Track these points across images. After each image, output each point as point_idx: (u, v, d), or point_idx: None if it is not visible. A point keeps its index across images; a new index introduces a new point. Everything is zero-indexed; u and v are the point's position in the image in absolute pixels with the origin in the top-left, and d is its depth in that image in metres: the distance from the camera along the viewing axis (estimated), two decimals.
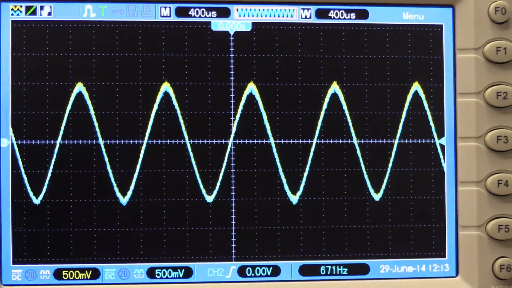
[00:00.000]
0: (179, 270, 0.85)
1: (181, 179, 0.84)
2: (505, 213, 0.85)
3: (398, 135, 0.87)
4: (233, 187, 0.85)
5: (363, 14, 0.87)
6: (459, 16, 0.87)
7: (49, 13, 0.84)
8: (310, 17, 0.86)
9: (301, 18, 0.86)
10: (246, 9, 0.86)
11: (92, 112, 0.84)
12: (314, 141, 0.86)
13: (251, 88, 0.85)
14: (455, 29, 0.87)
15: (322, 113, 0.86)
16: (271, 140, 0.85)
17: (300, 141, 0.86)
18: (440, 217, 0.87)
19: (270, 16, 0.86)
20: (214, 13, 0.85)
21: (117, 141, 0.84)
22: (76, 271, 0.84)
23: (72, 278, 0.84)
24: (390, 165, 0.87)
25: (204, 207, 0.85)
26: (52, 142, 0.83)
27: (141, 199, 0.84)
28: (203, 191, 0.85)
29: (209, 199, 0.85)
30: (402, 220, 0.87)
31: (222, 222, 0.85)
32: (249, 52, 0.85)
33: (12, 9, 0.83)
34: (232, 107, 0.85)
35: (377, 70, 0.87)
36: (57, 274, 0.84)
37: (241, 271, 0.86)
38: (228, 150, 0.85)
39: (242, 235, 0.85)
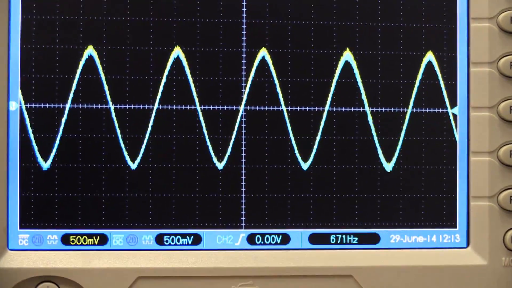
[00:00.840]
0: (187, 237, 0.84)
1: (191, 145, 0.84)
2: None
3: (410, 104, 0.86)
4: (243, 154, 0.84)
5: None
6: None
7: None
8: None
9: None
10: None
11: (102, 76, 0.83)
12: (326, 108, 0.85)
13: (263, 54, 0.85)
14: None
15: (335, 80, 0.85)
16: (283, 107, 0.85)
17: (312, 109, 0.85)
18: (452, 187, 0.86)
19: None
20: None
21: (127, 106, 0.83)
22: (83, 237, 0.83)
23: (79, 243, 0.83)
24: (402, 134, 0.86)
25: (214, 173, 0.84)
26: (61, 106, 0.83)
27: (150, 164, 0.83)
28: (214, 158, 0.84)
29: (220, 165, 0.84)
30: (413, 190, 0.86)
31: (232, 189, 0.84)
32: (262, 17, 0.85)
33: None
34: (244, 73, 0.84)
35: (390, 38, 0.86)
36: (65, 239, 0.83)
37: (251, 239, 0.85)
38: (239, 116, 0.84)
39: (252, 203, 0.84)
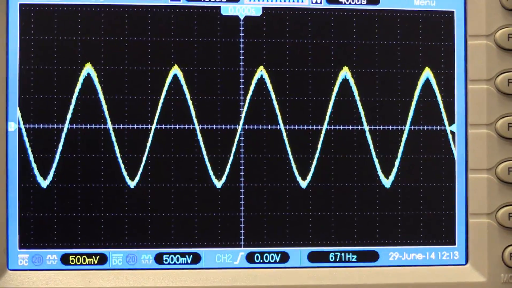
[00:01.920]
0: (187, 256, 0.84)
1: (190, 164, 0.84)
2: None
3: (408, 122, 0.86)
4: (242, 173, 0.85)
5: (374, 0, 0.86)
6: (470, 2, 0.86)
7: None
8: (320, 2, 0.86)
9: (312, 3, 0.86)
10: None
11: (101, 96, 0.83)
12: (324, 126, 0.85)
13: (261, 73, 0.85)
14: (466, 16, 0.86)
15: (332, 98, 0.85)
16: (281, 126, 0.85)
17: (310, 127, 0.85)
18: (450, 204, 0.87)
19: (280, 1, 0.85)
20: None
21: (126, 126, 0.83)
22: (83, 256, 0.83)
23: (79, 263, 0.83)
24: (400, 151, 0.86)
25: (213, 192, 0.84)
26: (60, 126, 0.83)
27: (149, 184, 0.84)
28: (212, 177, 0.84)
29: (218, 184, 0.84)
30: (412, 207, 0.86)
31: (231, 208, 0.84)
32: (259, 37, 0.85)
33: None
34: (242, 92, 0.85)
35: (388, 56, 0.86)
36: (64, 259, 0.83)
37: (250, 257, 0.85)
38: (238, 135, 0.84)
39: (251, 221, 0.85)
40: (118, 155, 0.83)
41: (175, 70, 0.84)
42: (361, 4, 0.86)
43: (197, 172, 0.84)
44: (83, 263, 0.83)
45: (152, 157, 0.84)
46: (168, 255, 0.84)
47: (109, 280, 0.83)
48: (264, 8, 0.85)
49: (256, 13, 0.85)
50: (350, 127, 0.86)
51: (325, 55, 0.85)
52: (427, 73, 0.87)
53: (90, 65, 0.83)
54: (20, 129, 0.82)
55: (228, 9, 0.85)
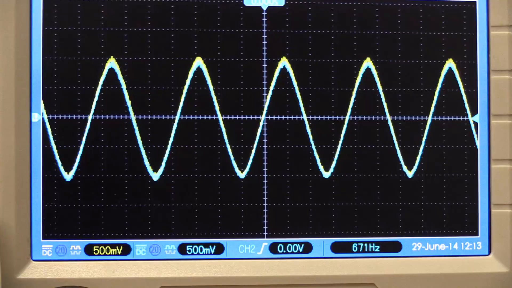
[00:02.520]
0: (210, 246, 0.85)
1: (213, 155, 0.84)
2: None
3: (431, 112, 0.86)
4: (265, 163, 0.85)
5: None
6: None
7: None
8: None
9: None
10: None
11: (124, 87, 0.83)
12: (347, 117, 0.85)
13: (284, 63, 0.85)
14: (489, 6, 0.86)
15: (355, 89, 0.86)
16: (304, 116, 0.85)
17: (333, 117, 0.85)
18: (473, 195, 0.87)
19: None
20: None
21: (149, 116, 0.84)
22: (107, 247, 0.84)
23: (102, 253, 0.84)
24: (423, 142, 0.86)
25: (236, 183, 0.84)
26: (83, 117, 0.83)
27: (172, 174, 0.84)
28: (235, 167, 0.84)
29: (241, 175, 0.85)
30: (434, 198, 0.86)
31: (254, 199, 0.85)
32: (282, 27, 0.85)
33: None
34: (265, 82, 0.85)
35: (410, 46, 0.86)
36: (88, 250, 0.84)
37: (273, 248, 0.85)
38: (261, 126, 0.85)
39: (274, 212, 0.85)
40: (141, 146, 0.84)
41: (198, 61, 0.84)
42: None
43: (220, 163, 0.84)
44: (107, 254, 0.84)
45: (175, 148, 0.84)
46: (191, 246, 0.84)
47: (132, 270, 0.83)
48: None
49: (279, 4, 0.85)
50: (373, 118, 0.86)
51: (347, 46, 0.86)
52: (449, 64, 0.87)
53: (113, 56, 0.83)
54: (43, 120, 0.83)
55: (250, 0, 0.85)
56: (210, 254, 0.85)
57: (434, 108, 0.86)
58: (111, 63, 0.83)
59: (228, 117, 0.84)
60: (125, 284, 0.82)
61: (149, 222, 0.84)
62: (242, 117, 0.84)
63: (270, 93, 0.85)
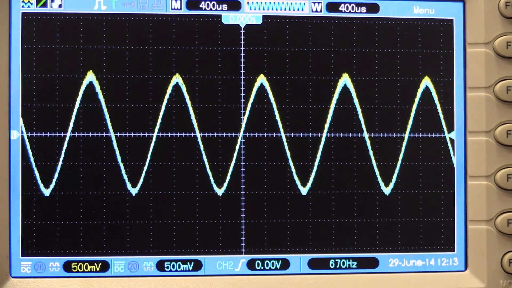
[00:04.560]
0: (188, 263, 0.85)
1: (191, 172, 0.85)
2: None
3: (408, 129, 0.87)
4: (243, 180, 0.85)
5: (374, 8, 0.87)
6: (469, 10, 0.87)
7: (60, 5, 0.84)
8: (320, 11, 0.86)
9: (312, 11, 0.86)
10: (256, 2, 0.86)
11: (103, 104, 0.84)
12: (324, 134, 0.86)
13: (262, 81, 0.85)
14: (465, 24, 0.87)
15: (332, 106, 0.86)
16: (282, 133, 0.85)
17: (310, 135, 0.86)
18: (450, 211, 0.87)
19: (280, 10, 0.86)
20: (225, 6, 0.85)
21: (128, 134, 0.84)
22: (85, 264, 0.84)
23: (81, 270, 0.84)
24: (400, 159, 0.87)
25: (214, 200, 0.85)
26: (62, 134, 0.83)
27: (151, 191, 0.84)
28: (213, 184, 0.85)
29: (219, 192, 0.85)
30: (411, 214, 0.87)
31: (231, 215, 0.85)
32: (260, 45, 0.86)
33: (23, 1, 0.83)
34: (243, 100, 0.85)
35: (387, 63, 0.87)
36: (67, 267, 0.84)
37: (251, 264, 0.86)
38: (239, 143, 0.85)
39: (252, 228, 0.85)
40: (120, 163, 0.84)
41: (176, 78, 0.85)
42: (360, 12, 0.87)
43: (198, 180, 0.85)
44: (85, 271, 0.84)
45: (154, 165, 0.84)
46: (169, 262, 0.85)
47: (111, 287, 0.83)
48: (264, 17, 0.86)
49: (257, 22, 0.86)
50: (350, 135, 0.86)
51: (325, 63, 0.86)
52: (426, 81, 0.87)
53: (92, 73, 0.84)
54: (22, 137, 0.83)
55: (229, 18, 0.85)
56: (188, 270, 0.85)
57: (411, 125, 0.87)
58: (90, 80, 0.84)
59: (206, 134, 0.85)
60: None
61: (128, 239, 0.84)
62: (220, 134, 0.85)
63: (248, 110, 0.85)
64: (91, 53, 0.84)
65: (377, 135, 0.87)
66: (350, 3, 0.87)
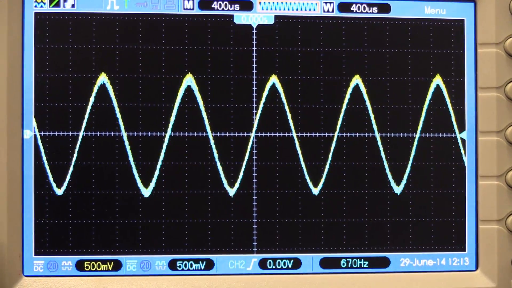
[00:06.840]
0: (200, 262, 0.85)
1: (204, 172, 0.85)
2: None
3: (419, 129, 0.87)
4: (255, 180, 0.85)
5: (385, 8, 0.87)
6: (480, 10, 0.87)
7: (73, 5, 0.84)
8: (332, 11, 0.87)
9: (324, 11, 0.87)
10: (269, 2, 0.86)
11: (115, 104, 0.84)
12: (336, 134, 0.86)
13: (274, 81, 0.86)
14: (476, 24, 0.87)
15: (344, 106, 0.86)
16: (293, 133, 0.86)
17: (322, 134, 0.86)
18: (461, 211, 0.88)
19: (292, 10, 0.86)
20: (237, 6, 0.86)
21: (140, 133, 0.84)
22: (98, 263, 0.84)
23: (93, 269, 0.84)
24: (411, 158, 0.87)
25: (226, 199, 0.85)
26: (75, 133, 0.84)
27: (163, 191, 0.85)
28: (225, 184, 0.85)
29: (231, 191, 0.85)
30: (422, 214, 0.87)
31: (243, 215, 0.85)
32: (272, 45, 0.86)
33: (36, 1, 0.84)
34: (255, 100, 0.86)
35: (399, 64, 0.87)
36: (79, 266, 0.84)
37: (262, 264, 0.86)
38: (250, 143, 0.85)
39: (264, 228, 0.86)
40: (132, 162, 0.84)
41: (189, 78, 0.85)
42: (372, 12, 0.87)
43: (210, 179, 0.85)
44: (98, 269, 0.84)
45: (166, 165, 0.85)
46: (181, 261, 0.85)
47: (123, 286, 0.84)
48: (276, 17, 0.86)
49: (269, 22, 0.86)
50: (362, 135, 0.87)
51: (336, 63, 0.86)
52: (437, 81, 0.87)
53: (105, 73, 0.84)
54: (35, 136, 0.83)
55: (241, 18, 0.86)
56: (200, 270, 0.85)
57: (422, 125, 0.87)
58: (103, 80, 0.84)
59: (218, 134, 0.85)
60: None
61: (140, 238, 0.84)
62: (232, 134, 0.85)
63: (260, 110, 0.86)
64: (103, 53, 0.84)
65: (388, 135, 0.87)
66: (361, 3, 0.87)
